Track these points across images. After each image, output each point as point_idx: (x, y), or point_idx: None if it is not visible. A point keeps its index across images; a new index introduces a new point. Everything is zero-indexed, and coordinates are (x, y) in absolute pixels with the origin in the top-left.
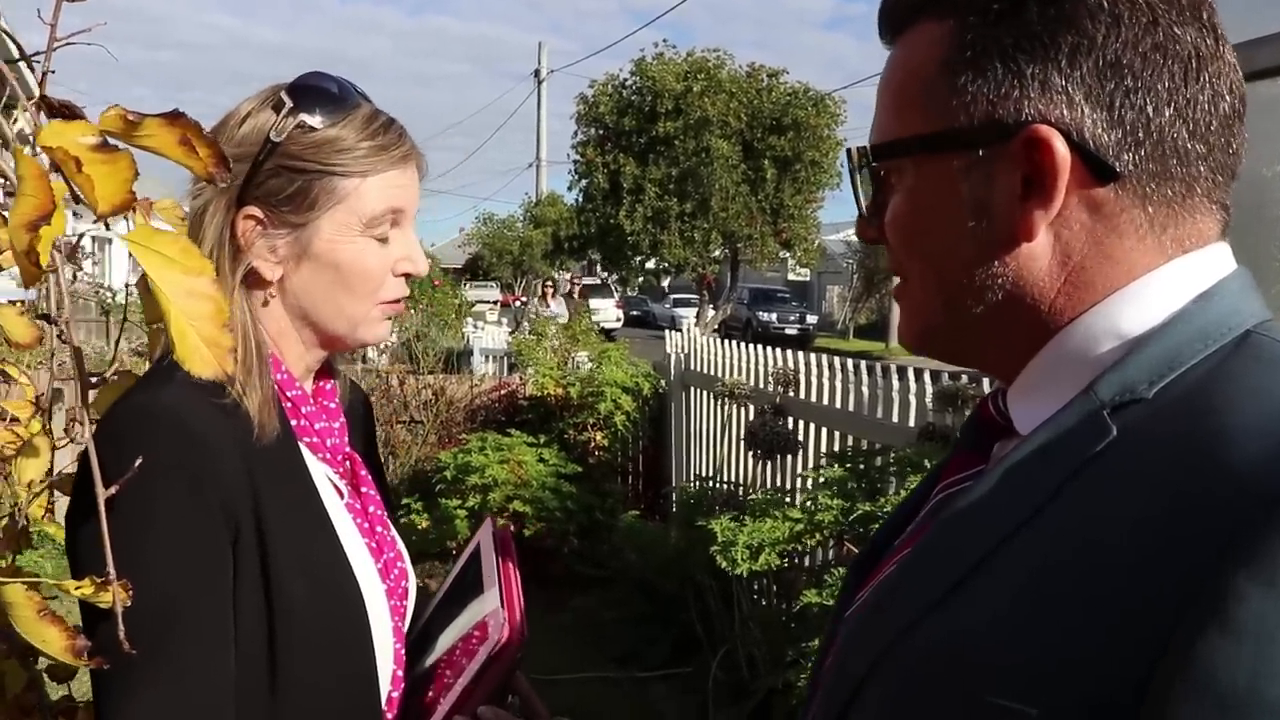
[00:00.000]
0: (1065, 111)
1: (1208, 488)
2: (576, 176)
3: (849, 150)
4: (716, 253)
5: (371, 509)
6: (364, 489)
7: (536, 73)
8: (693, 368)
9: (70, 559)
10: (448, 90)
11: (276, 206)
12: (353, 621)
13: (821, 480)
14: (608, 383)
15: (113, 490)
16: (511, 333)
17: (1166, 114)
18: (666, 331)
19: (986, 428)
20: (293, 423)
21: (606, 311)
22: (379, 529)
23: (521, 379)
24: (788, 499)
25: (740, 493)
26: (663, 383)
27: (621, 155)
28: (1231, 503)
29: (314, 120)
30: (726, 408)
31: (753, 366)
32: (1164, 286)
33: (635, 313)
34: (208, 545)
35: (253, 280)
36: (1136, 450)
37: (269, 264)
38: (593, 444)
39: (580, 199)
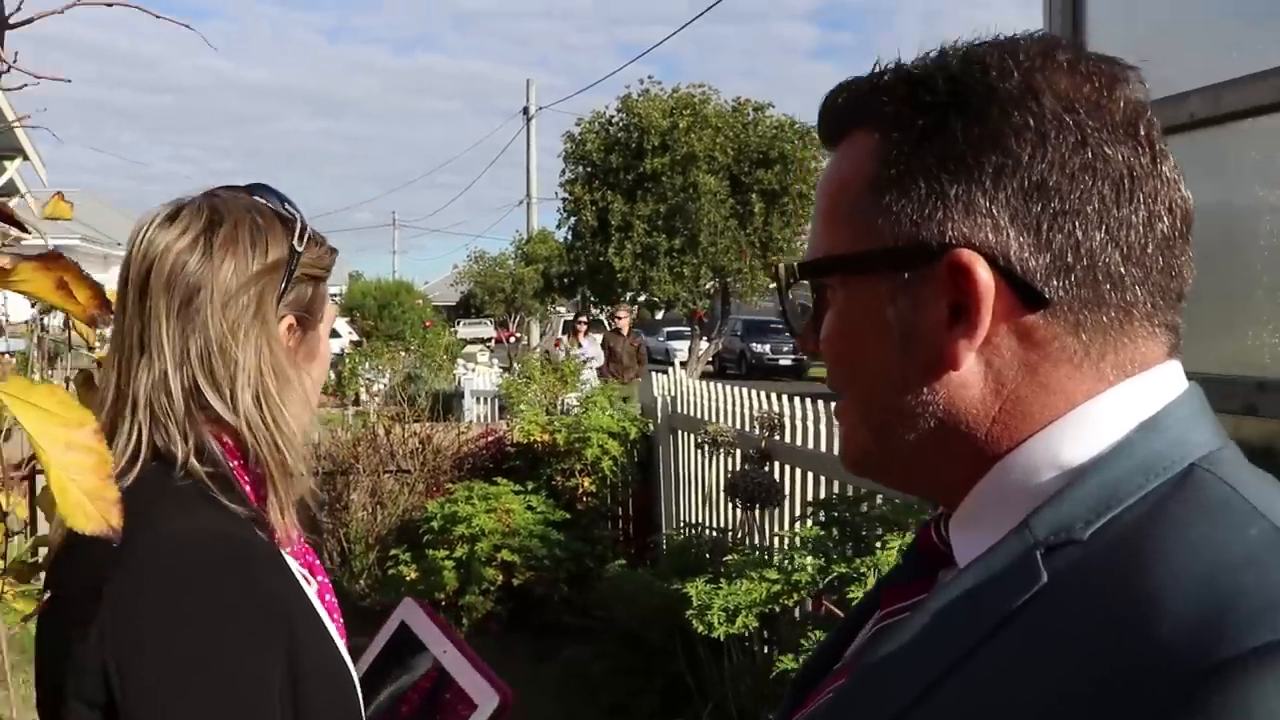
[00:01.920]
0: (990, 235)
1: (1135, 661)
2: (565, 214)
3: (776, 268)
4: (707, 287)
5: (328, 597)
6: (318, 577)
7: (525, 110)
8: (679, 410)
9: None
10: (438, 128)
11: (302, 313)
12: (354, 713)
13: (797, 541)
14: (593, 428)
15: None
16: (505, 370)
17: (1097, 237)
18: (653, 374)
19: (929, 553)
20: None
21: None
22: (335, 616)
23: (508, 425)
24: (772, 549)
25: (729, 538)
26: (650, 425)
27: (609, 192)
28: (1158, 679)
29: (314, 231)
30: (709, 454)
31: (738, 409)
32: (1105, 415)
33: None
34: (273, 678)
35: None
36: (1066, 604)
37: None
38: (581, 490)
39: (569, 236)
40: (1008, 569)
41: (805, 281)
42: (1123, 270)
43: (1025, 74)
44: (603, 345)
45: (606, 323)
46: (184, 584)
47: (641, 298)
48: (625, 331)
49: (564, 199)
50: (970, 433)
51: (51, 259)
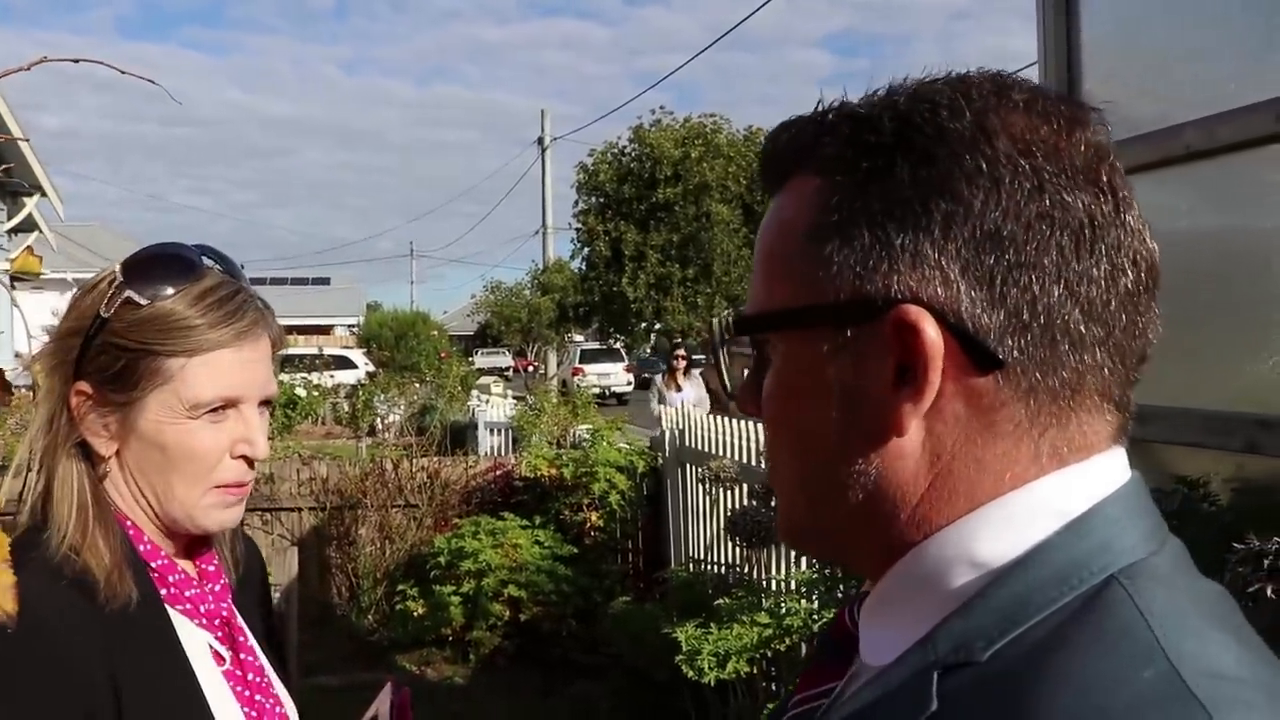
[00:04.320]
0: (939, 289)
1: None
2: (579, 245)
3: (713, 322)
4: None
5: (250, 676)
6: (243, 654)
7: (540, 140)
8: (687, 444)
9: None
10: (457, 158)
11: (104, 383)
12: None
13: (791, 584)
14: (601, 462)
15: None
16: (520, 400)
17: (1055, 292)
18: (661, 407)
19: (844, 637)
20: (162, 591)
21: (617, 376)
22: (258, 696)
23: (516, 459)
24: (770, 590)
25: (732, 576)
26: (659, 459)
27: (622, 222)
28: None
29: (140, 296)
30: (714, 489)
31: (745, 443)
32: (1029, 509)
33: (647, 375)
34: None
35: (94, 451)
36: None
37: (102, 439)
38: (588, 524)
39: (584, 266)
40: (902, 690)
41: (744, 338)
42: (1083, 328)
43: (978, 114)
44: (708, 387)
45: (624, 353)
46: None
47: (656, 327)
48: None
49: (577, 229)
50: (894, 511)
51: None
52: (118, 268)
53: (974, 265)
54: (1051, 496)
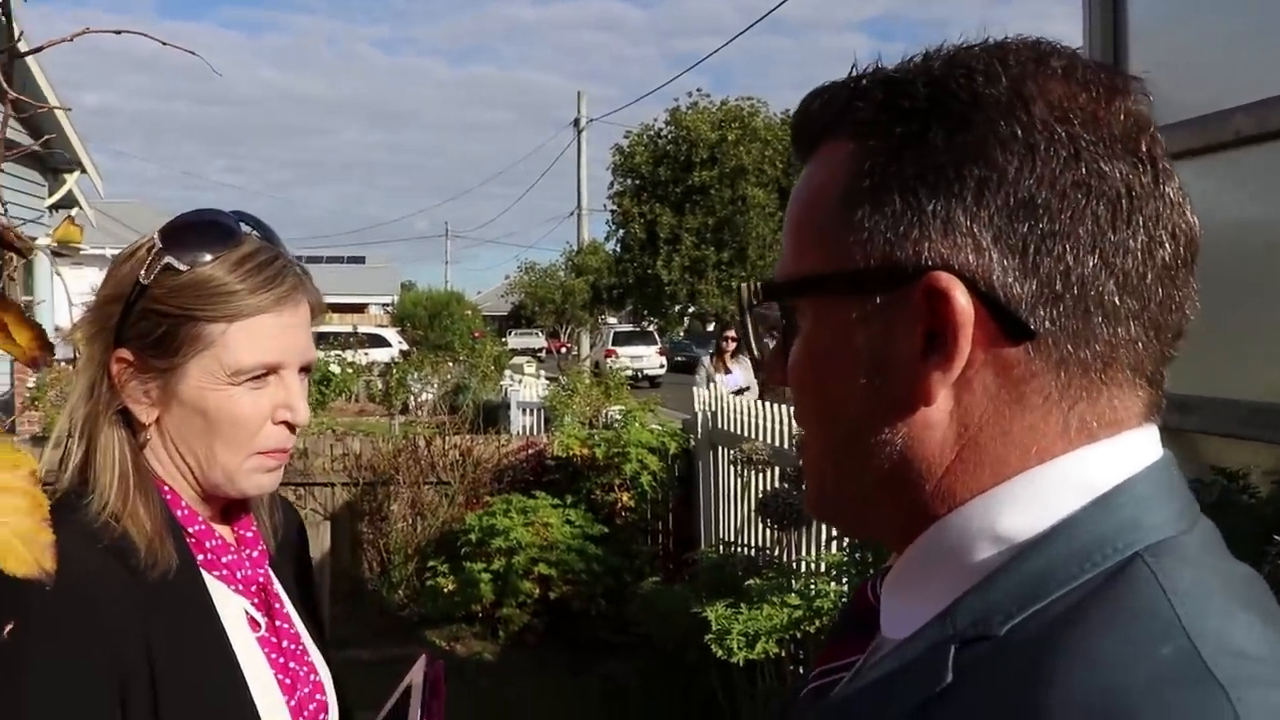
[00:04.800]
0: (971, 256)
1: None
2: (614, 227)
3: (739, 289)
4: None
5: (285, 643)
6: (279, 622)
7: (576, 121)
8: (719, 426)
9: None
10: (492, 139)
11: (145, 350)
12: None
13: (822, 566)
14: (633, 443)
15: None
16: (552, 381)
17: (1090, 263)
18: (694, 389)
19: (866, 611)
20: (199, 557)
21: (650, 358)
22: (293, 664)
23: (548, 438)
24: (800, 571)
25: (762, 558)
26: (691, 440)
27: (658, 205)
28: None
29: (179, 262)
30: (745, 471)
31: (777, 426)
32: (1057, 483)
33: (680, 358)
34: (86, 709)
35: (134, 418)
36: (962, 710)
37: (143, 406)
38: (620, 504)
39: (618, 249)
40: (919, 663)
41: (773, 304)
42: (1117, 300)
43: (1014, 80)
44: (756, 371)
45: (657, 335)
46: None
47: (690, 311)
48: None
49: (612, 211)
50: (920, 482)
51: None
52: (156, 234)
53: (1007, 233)
54: (1079, 471)
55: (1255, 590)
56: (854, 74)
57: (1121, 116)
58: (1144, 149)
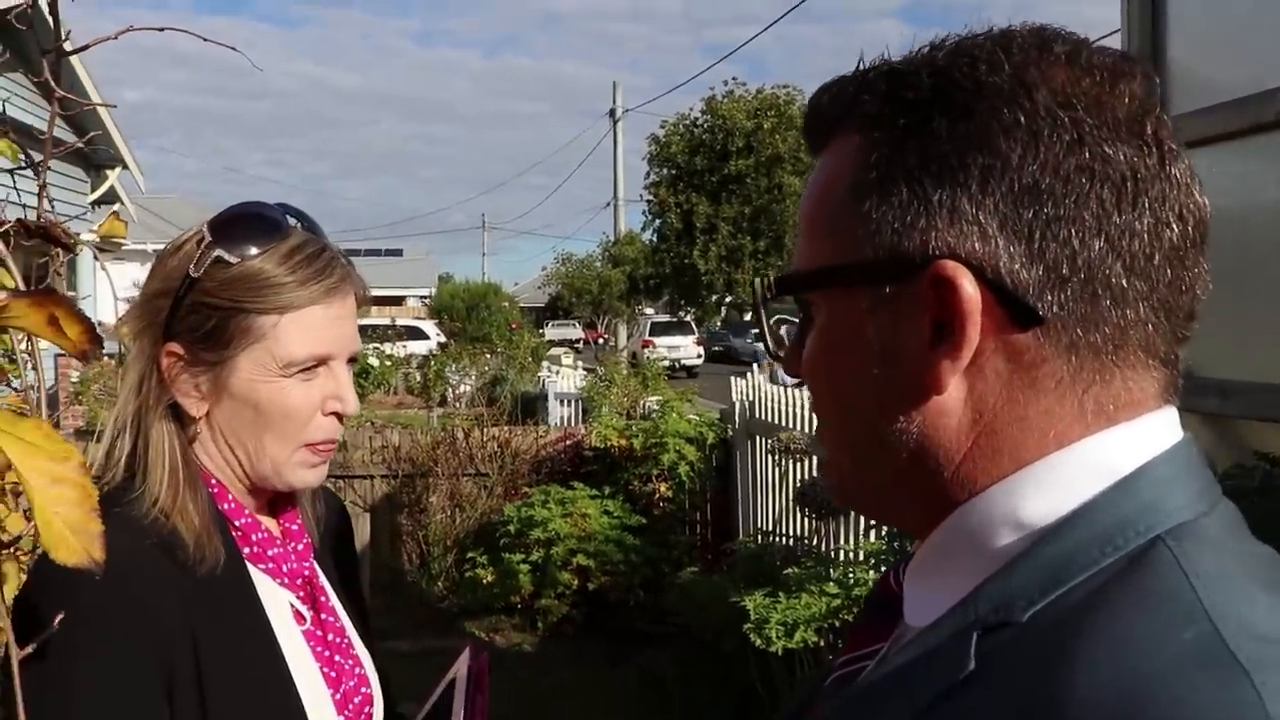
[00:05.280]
0: (977, 244)
1: None
2: (650, 217)
3: (754, 283)
4: None
5: (331, 636)
6: (324, 615)
7: (612, 112)
8: (757, 416)
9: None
10: (528, 129)
11: (196, 343)
12: None
13: (860, 554)
14: (670, 434)
15: (29, 649)
16: (590, 372)
17: (1096, 246)
18: (732, 379)
19: (890, 599)
20: (245, 550)
21: (687, 349)
22: (338, 657)
23: (586, 429)
24: (839, 560)
25: (801, 547)
26: (729, 430)
27: (694, 194)
28: None
29: (230, 255)
30: (783, 461)
31: (814, 416)
32: (1076, 468)
33: (717, 348)
34: (134, 700)
35: (184, 412)
36: (984, 696)
37: (193, 400)
38: (657, 495)
39: (654, 239)
40: (942, 650)
41: (789, 298)
42: (1125, 283)
43: (1017, 67)
44: None
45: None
46: (46, 603)
47: (727, 300)
48: None
49: (649, 201)
50: (939, 469)
51: (43, 295)
52: (205, 227)
53: (1012, 220)
54: (1098, 455)
55: (1277, 572)
56: (860, 67)
57: (1126, 100)
58: (1149, 131)
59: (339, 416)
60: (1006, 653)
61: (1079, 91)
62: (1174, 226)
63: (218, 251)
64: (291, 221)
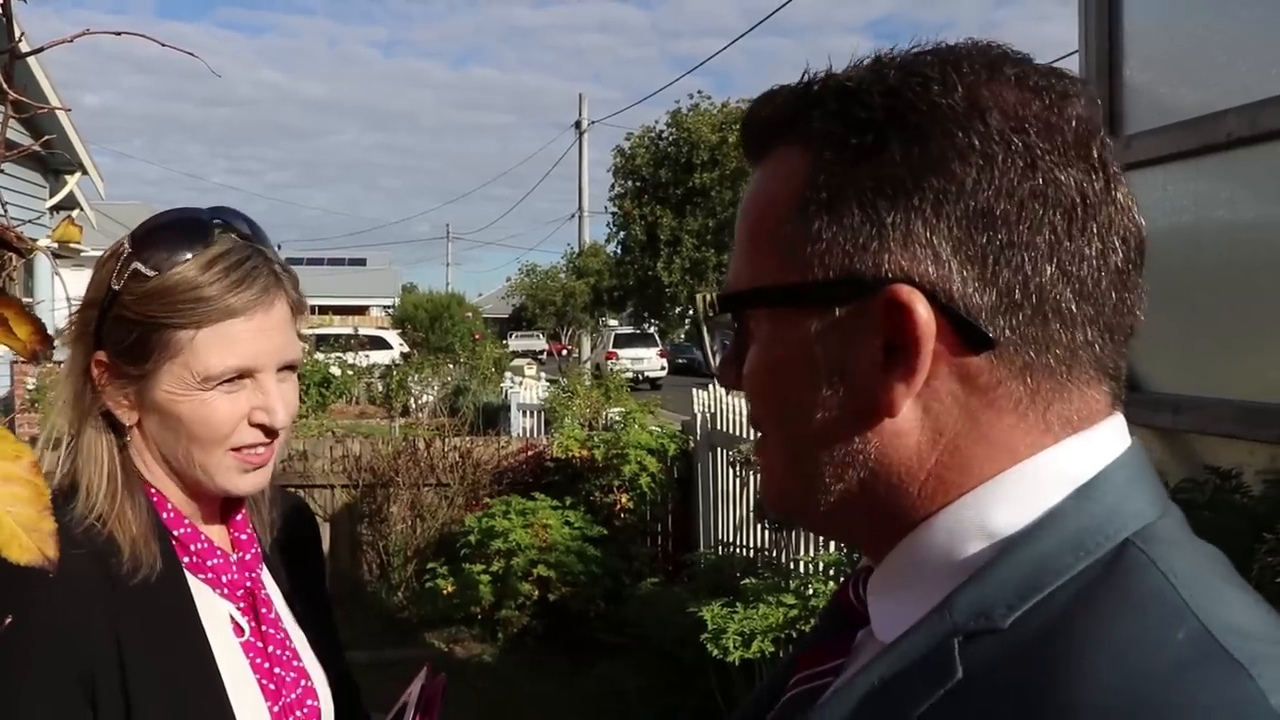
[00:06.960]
0: (931, 268)
1: None
2: (614, 229)
3: (697, 299)
4: None
5: (271, 648)
6: (265, 626)
7: (578, 124)
8: (719, 427)
9: None
10: (493, 140)
11: (119, 356)
12: None
13: (820, 566)
14: (632, 445)
15: None
16: (553, 383)
17: (1048, 272)
18: (694, 390)
19: (847, 612)
20: (184, 560)
21: (651, 361)
22: (278, 669)
23: (548, 440)
24: (797, 572)
25: (760, 559)
26: (690, 442)
27: (658, 207)
28: None
29: (146, 269)
30: (744, 472)
31: None
32: (1041, 477)
33: (681, 360)
34: (52, 712)
35: (117, 421)
36: (977, 707)
37: (123, 409)
38: (619, 506)
39: (619, 251)
40: (923, 660)
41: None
42: (1074, 308)
43: (970, 89)
44: None
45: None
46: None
47: (690, 313)
48: None
49: (613, 213)
50: (901, 487)
51: None
52: (127, 238)
53: (966, 244)
54: (1059, 464)
55: (1228, 568)
56: (806, 78)
57: (1073, 123)
58: (1095, 154)
59: (264, 428)
60: (995, 660)
61: (1030, 114)
62: (1119, 250)
63: (135, 264)
64: (219, 229)
